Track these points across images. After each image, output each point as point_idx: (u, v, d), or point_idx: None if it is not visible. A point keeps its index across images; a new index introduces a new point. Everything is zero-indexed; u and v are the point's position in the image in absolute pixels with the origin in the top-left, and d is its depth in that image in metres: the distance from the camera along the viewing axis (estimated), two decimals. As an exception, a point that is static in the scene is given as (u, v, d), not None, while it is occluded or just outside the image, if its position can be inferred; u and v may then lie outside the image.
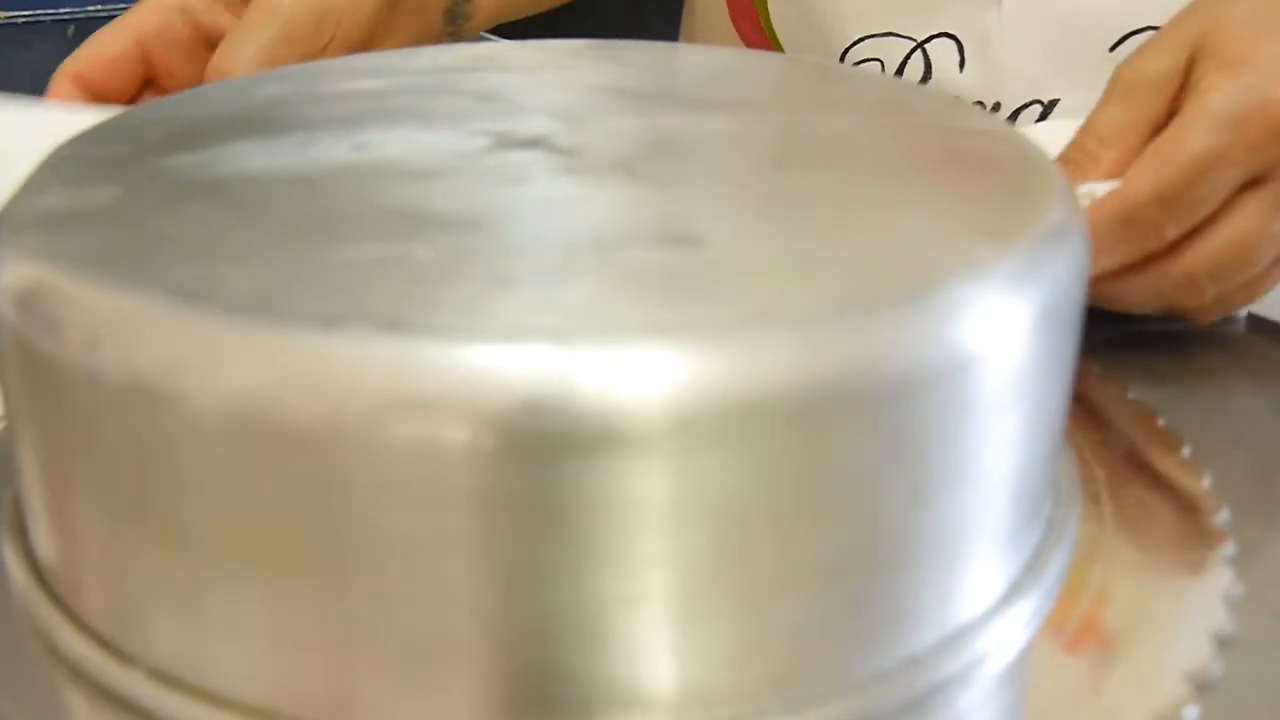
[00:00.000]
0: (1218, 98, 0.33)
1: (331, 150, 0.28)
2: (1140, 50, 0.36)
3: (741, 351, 0.21)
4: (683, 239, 0.24)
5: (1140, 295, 0.36)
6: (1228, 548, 0.30)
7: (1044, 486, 0.27)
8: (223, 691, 0.24)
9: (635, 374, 0.21)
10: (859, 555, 0.23)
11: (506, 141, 0.29)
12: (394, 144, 0.29)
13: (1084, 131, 0.35)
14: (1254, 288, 0.37)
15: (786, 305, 0.22)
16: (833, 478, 0.22)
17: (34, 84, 0.44)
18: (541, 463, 0.21)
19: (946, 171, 0.27)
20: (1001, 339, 0.23)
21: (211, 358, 0.22)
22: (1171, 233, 0.33)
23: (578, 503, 0.21)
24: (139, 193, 0.27)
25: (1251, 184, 0.34)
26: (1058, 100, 0.51)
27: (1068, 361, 0.26)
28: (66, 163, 0.28)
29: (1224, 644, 0.27)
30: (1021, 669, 0.26)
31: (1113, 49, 0.49)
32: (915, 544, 0.23)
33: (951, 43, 0.51)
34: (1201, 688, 0.26)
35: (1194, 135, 0.33)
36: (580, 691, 0.22)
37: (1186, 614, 0.28)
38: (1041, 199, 0.26)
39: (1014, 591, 0.26)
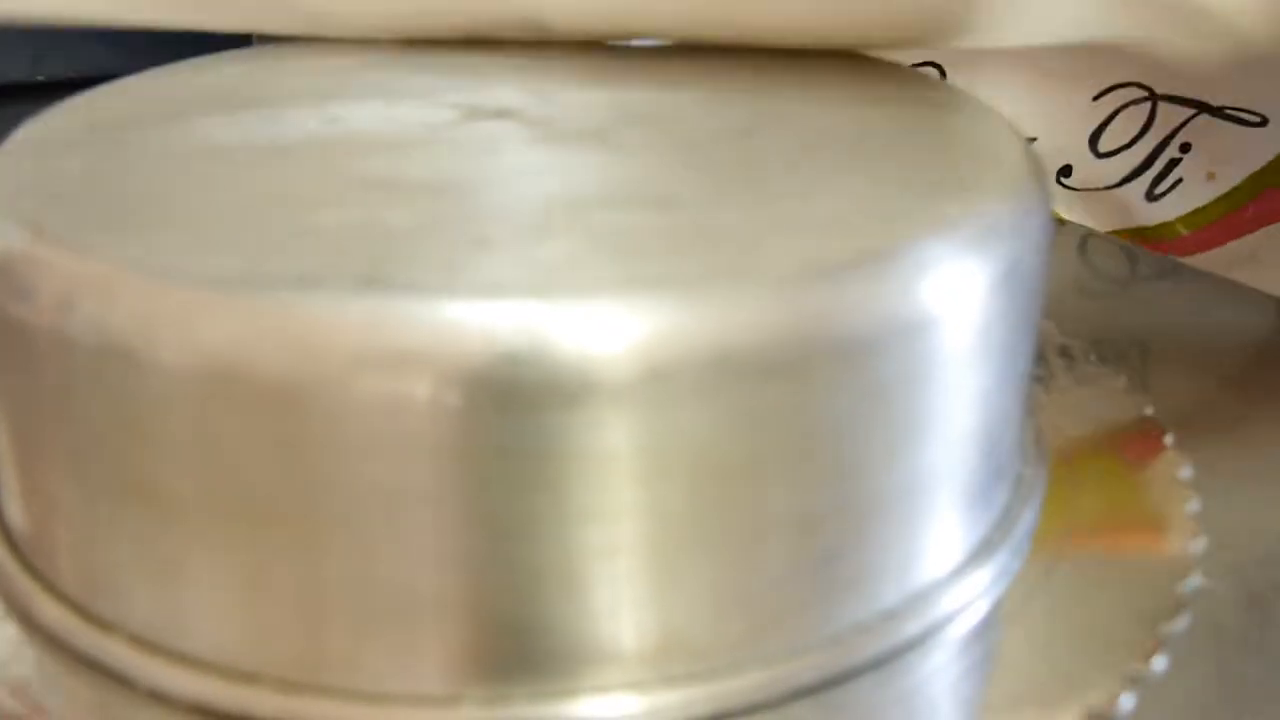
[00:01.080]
0: None
1: (302, 124, 0.29)
2: None
3: (715, 305, 0.22)
4: (655, 201, 0.25)
5: None
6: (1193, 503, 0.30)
7: (1012, 444, 0.27)
8: (199, 654, 0.24)
9: (611, 326, 0.21)
10: (832, 508, 0.23)
11: (477, 113, 0.29)
12: (364, 117, 0.29)
13: None
14: None
15: (758, 261, 0.23)
16: (804, 430, 0.22)
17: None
18: (517, 415, 0.21)
19: (914, 138, 0.27)
20: (968, 295, 0.24)
21: (184, 318, 0.22)
22: None
23: (553, 455, 0.21)
24: (109, 164, 0.27)
25: None
26: (1034, 139, 0.51)
27: (1033, 319, 0.26)
28: (36, 135, 0.28)
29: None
30: (994, 624, 0.26)
31: (1096, 99, 0.50)
32: (887, 497, 0.24)
33: (934, 71, 0.51)
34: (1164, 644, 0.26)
35: None
36: (554, 645, 0.22)
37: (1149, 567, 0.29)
38: (1005, 162, 0.26)
39: (984, 547, 0.27)
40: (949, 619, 0.26)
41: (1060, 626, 0.27)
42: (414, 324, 0.21)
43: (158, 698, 0.24)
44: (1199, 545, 0.29)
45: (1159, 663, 0.26)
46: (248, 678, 0.23)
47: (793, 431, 0.22)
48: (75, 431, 0.24)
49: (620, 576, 0.22)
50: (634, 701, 0.23)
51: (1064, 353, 0.37)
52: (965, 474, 0.25)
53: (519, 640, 0.22)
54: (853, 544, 0.24)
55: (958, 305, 0.24)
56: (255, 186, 0.26)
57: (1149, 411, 0.34)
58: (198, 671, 0.24)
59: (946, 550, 0.26)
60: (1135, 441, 0.33)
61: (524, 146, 0.27)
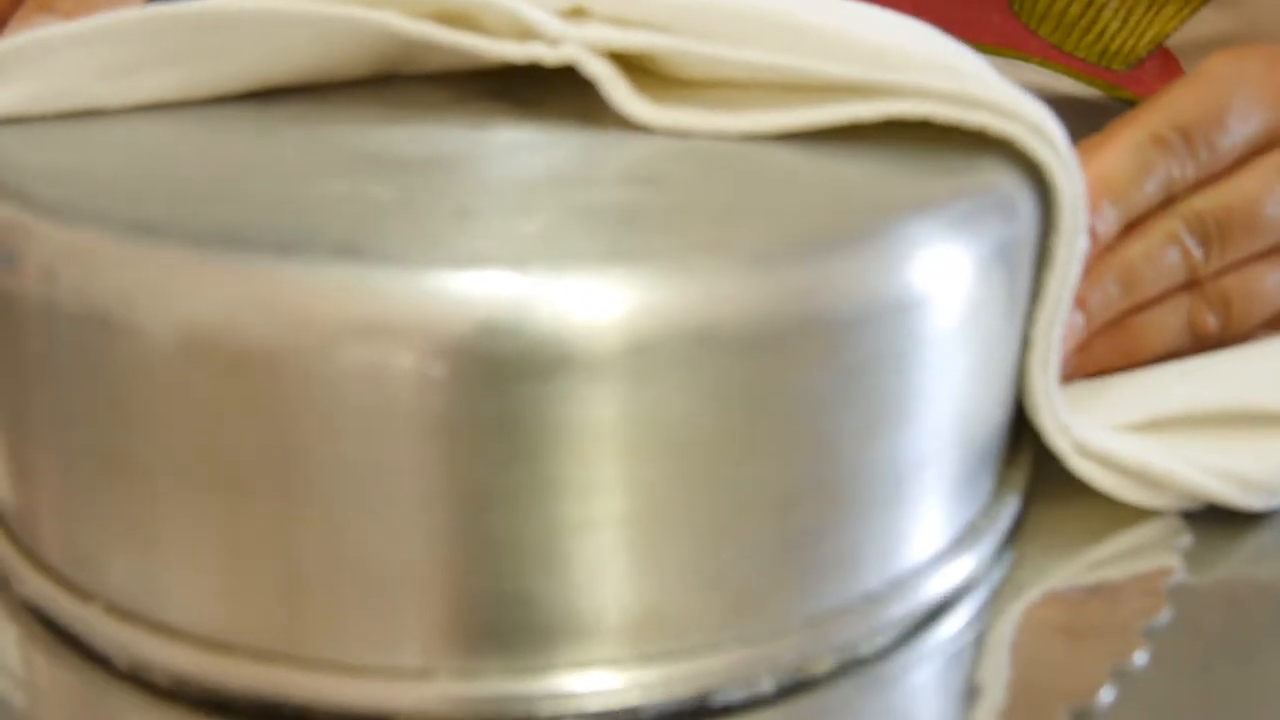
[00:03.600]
0: (1223, 59, 0.33)
1: (290, 98, 0.29)
2: None
3: (697, 278, 0.21)
4: (641, 179, 0.25)
5: (1149, 261, 0.32)
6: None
7: (999, 432, 0.27)
8: (178, 624, 0.24)
9: (591, 299, 0.21)
10: (812, 487, 0.23)
11: (468, 91, 0.29)
12: (354, 93, 0.29)
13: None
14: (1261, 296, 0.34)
15: (741, 237, 0.22)
16: (785, 407, 0.22)
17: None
18: (497, 387, 0.21)
19: (903, 123, 0.27)
20: (954, 277, 0.24)
21: (167, 286, 0.22)
22: (1190, 168, 0.32)
23: (533, 427, 0.21)
24: (94, 133, 0.27)
25: (1262, 149, 0.34)
26: None
27: (1020, 304, 0.26)
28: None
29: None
30: (978, 617, 0.26)
31: None
32: (870, 478, 0.24)
33: None
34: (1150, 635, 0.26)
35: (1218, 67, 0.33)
36: (531, 619, 0.22)
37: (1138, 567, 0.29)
38: (996, 145, 0.26)
39: (967, 536, 0.26)
40: (931, 603, 0.26)
41: (1044, 620, 0.27)
42: (393, 293, 0.21)
43: (135, 671, 0.24)
44: (1184, 542, 0.29)
45: (1140, 657, 0.26)
46: (223, 648, 0.23)
47: (774, 407, 0.22)
48: (57, 399, 0.24)
49: (599, 551, 0.22)
50: (611, 678, 0.23)
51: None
52: (950, 459, 0.25)
53: (495, 614, 0.22)
54: (834, 524, 0.24)
55: (943, 286, 0.24)
56: (239, 157, 0.26)
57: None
58: (174, 641, 0.23)
59: (930, 535, 0.26)
60: None
61: (513, 124, 0.27)
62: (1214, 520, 0.30)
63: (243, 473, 0.22)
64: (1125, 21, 0.49)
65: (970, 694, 0.25)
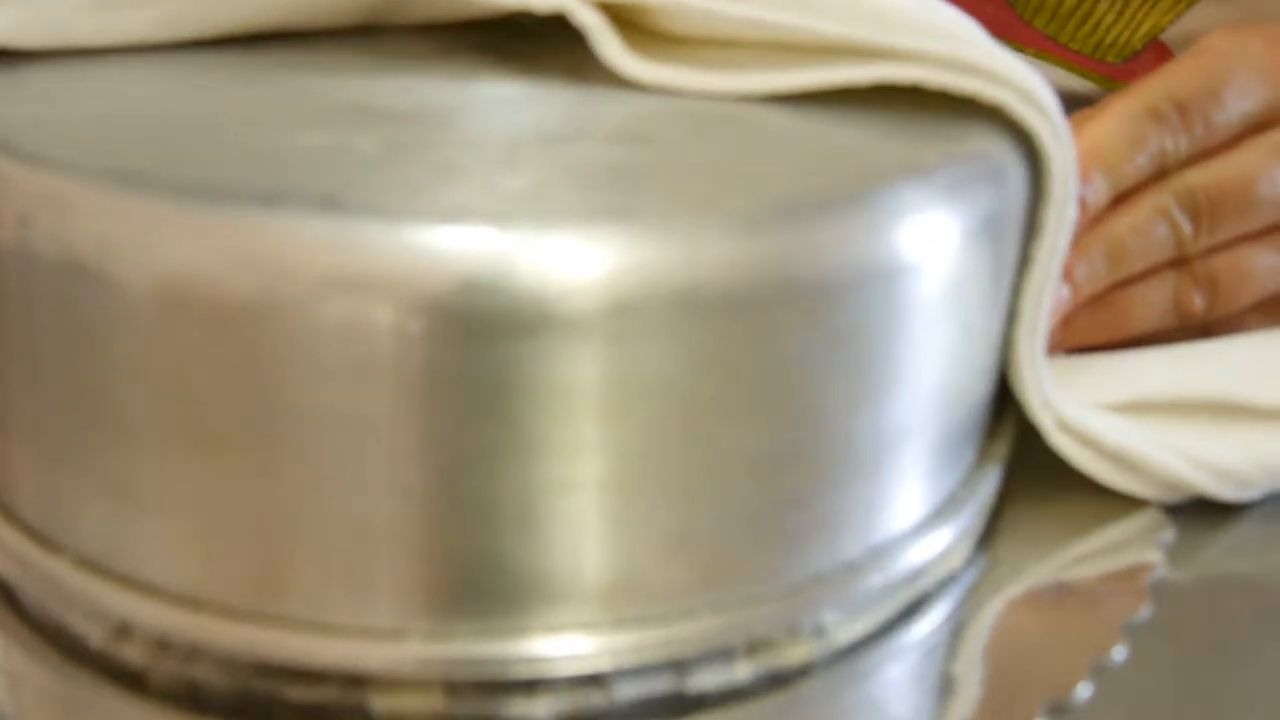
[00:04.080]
0: (1224, 36, 0.33)
1: (274, 49, 0.28)
2: None
3: (681, 239, 0.21)
4: (629, 138, 0.24)
5: (1138, 235, 0.32)
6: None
7: (983, 404, 0.27)
8: (149, 579, 0.23)
9: (574, 257, 0.21)
10: (793, 453, 0.23)
11: (455, 44, 0.28)
12: (339, 45, 0.28)
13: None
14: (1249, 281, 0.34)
15: (727, 198, 0.22)
16: (768, 372, 0.22)
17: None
18: (476, 343, 0.21)
19: (896, 91, 0.26)
20: (942, 244, 0.24)
21: (145, 235, 0.22)
22: (1184, 143, 0.32)
23: (512, 385, 0.21)
24: (73, 80, 0.26)
25: (1259, 128, 0.33)
26: None
27: (1007, 275, 0.26)
28: None
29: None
30: (956, 608, 0.26)
31: None
32: (850, 446, 0.23)
33: None
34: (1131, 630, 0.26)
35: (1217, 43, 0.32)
36: (506, 581, 0.22)
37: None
38: (988, 112, 0.26)
39: (947, 507, 0.26)
40: (910, 574, 0.25)
41: (1022, 614, 0.27)
42: (373, 247, 0.21)
43: (106, 647, 0.24)
44: (1167, 536, 0.29)
45: (1119, 652, 0.26)
46: (194, 605, 0.23)
47: (756, 371, 0.22)
48: (32, 349, 0.23)
49: (576, 513, 0.22)
50: (584, 643, 0.22)
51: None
52: (932, 429, 0.25)
53: (469, 575, 0.22)
54: (814, 492, 0.23)
55: (930, 253, 0.23)
56: (221, 107, 0.25)
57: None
58: (144, 597, 0.23)
59: (910, 505, 0.25)
60: None
61: (500, 79, 0.27)
62: (1196, 516, 0.30)
63: (218, 425, 0.22)
64: (1121, 14, 0.49)
65: (947, 687, 0.25)
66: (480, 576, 0.22)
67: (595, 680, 0.23)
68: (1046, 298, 0.27)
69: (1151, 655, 0.26)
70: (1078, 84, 0.50)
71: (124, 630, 0.24)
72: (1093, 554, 0.29)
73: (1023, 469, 0.30)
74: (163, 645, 0.24)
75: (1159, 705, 0.25)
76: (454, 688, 0.23)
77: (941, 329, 0.24)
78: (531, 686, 0.23)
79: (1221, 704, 0.26)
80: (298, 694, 0.23)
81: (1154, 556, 0.28)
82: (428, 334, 0.21)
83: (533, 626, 0.22)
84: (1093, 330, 0.32)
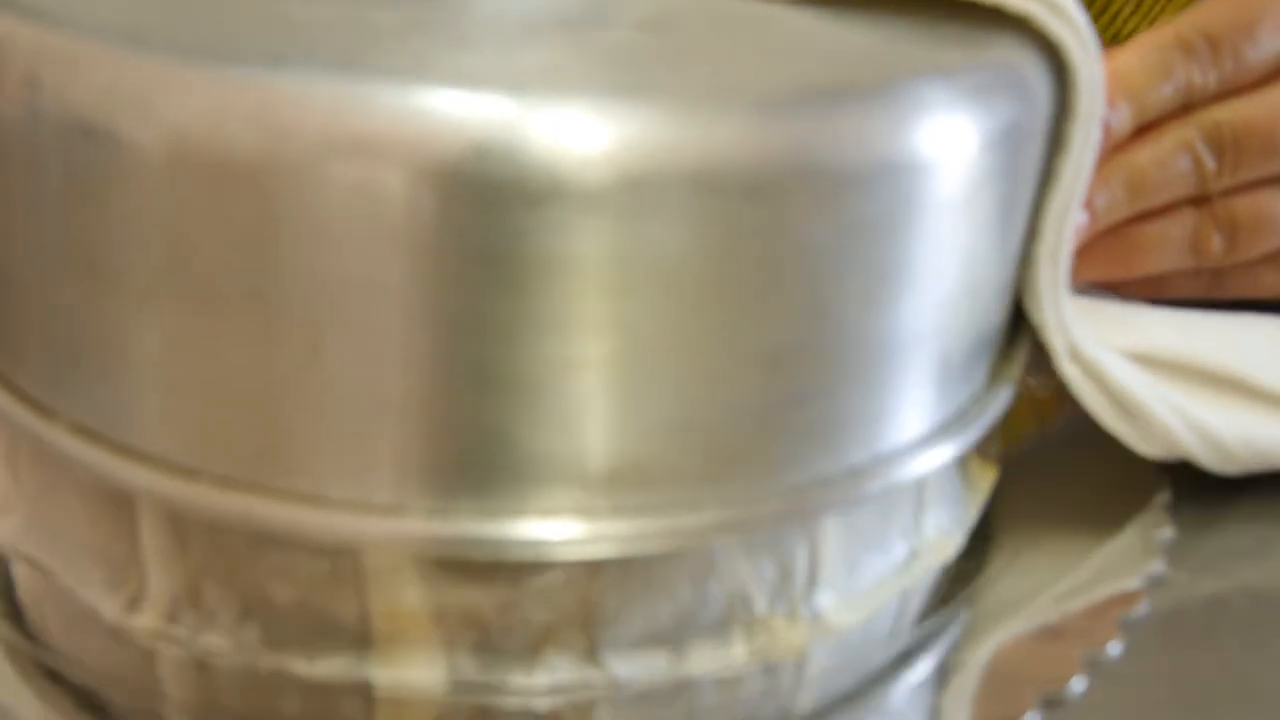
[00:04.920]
0: None
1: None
2: None
3: (697, 117, 0.21)
4: (651, 24, 0.24)
5: (1160, 168, 0.31)
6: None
7: (997, 323, 0.27)
8: (145, 448, 0.23)
9: (588, 128, 0.20)
10: (802, 347, 0.22)
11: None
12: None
13: None
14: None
15: (746, 82, 0.22)
16: (779, 259, 0.22)
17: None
18: (485, 211, 0.20)
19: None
20: (960, 146, 0.23)
21: (152, 94, 0.21)
22: (1213, 77, 0.31)
23: (520, 255, 0.21)
24: None
25: None
26: None
27: (1028, 190, 0.26)
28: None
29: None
30: (955, 607, 0.26)
31: None
32: (860, 346, 0.23)
33: None
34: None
35: None
36: (506, 460, 0.22)
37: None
38: (1017, 27, 0.25)
39: (955, 422, 0.26)
40: (913, 483, 0.25)
41: (1021, 608, 0.27)
42: (385, 109, 0.20)
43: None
44: (1166, 535, 0.29)
45: (1114, 648, 0.25)
46: (189, 473, 0.23)
47: (766, 258, 0.22)
48: (40, 208, 0.23)
49: (580, 392, 0.21)
50: (579, 528, 0.22)
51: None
52: (945, 338, 0.25)
53: (470, 451, 0.22)
54: (821, 389, 0.23)
55: (947, 154, 0.23)
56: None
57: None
58: (139, 464, 0.23)
59: (919, 415, 0.25)
60: None
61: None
62: (1196, 516, 0.30)
63: (222, 287, 0.22)
64: (1139, 6, 0.48)
65: (942, 680, 0.25)
66: (481, 453, 0.22)
67: (591, 657, 0.23)
68: (1070, 219, 0.27)
69: (1147, 651, 0.26)
70: None
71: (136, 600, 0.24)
72: (1089, 554, 0.29)
73: (1016, 480, 0.30)
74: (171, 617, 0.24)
75: (1158, 705, 0.25)
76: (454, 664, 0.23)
77: (957, 233, 0.24)
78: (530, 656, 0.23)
79: (1220, 704, 0.26)
80: (302, 668, 0.23)
81: (1151, 558, 0.29)
82: (436, 199, 0.20)
83: (530, 509, 0.22)
84: (1107, 263, 0.31)
